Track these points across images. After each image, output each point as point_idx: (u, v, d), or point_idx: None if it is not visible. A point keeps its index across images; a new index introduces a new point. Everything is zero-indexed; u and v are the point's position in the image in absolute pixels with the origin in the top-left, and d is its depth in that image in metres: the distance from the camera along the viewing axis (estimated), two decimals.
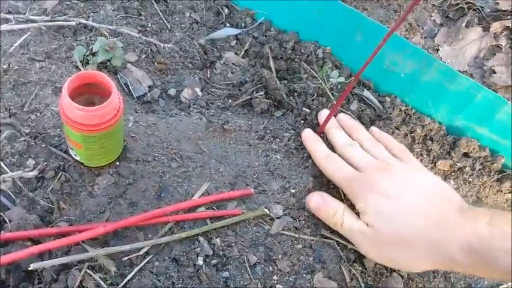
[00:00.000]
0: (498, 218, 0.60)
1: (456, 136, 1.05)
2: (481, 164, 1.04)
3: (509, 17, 1.30)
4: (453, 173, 1.04)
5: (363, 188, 0.76)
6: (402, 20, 0.73)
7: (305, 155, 0.94)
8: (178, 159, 0.86)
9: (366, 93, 1.03)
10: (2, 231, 0.72)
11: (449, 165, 1.03)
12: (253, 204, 0.86)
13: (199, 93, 1.00)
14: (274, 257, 0.81)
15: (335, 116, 0.98)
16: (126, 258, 0.74)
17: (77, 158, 0.77)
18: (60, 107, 0.69)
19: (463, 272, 0.88)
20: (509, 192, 1.05)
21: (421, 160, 1.02)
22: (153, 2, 1.08)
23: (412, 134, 1.03)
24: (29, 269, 0.67)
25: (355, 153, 0.85)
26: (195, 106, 0.97)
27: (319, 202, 0.82)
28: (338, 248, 0.85)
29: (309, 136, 0.92)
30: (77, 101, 0.67)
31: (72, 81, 0.69)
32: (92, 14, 0.99)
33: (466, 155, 1.05)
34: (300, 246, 0.84)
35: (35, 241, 0.73)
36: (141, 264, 0.75)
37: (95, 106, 0.68)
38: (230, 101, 1.00)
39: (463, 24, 1.31)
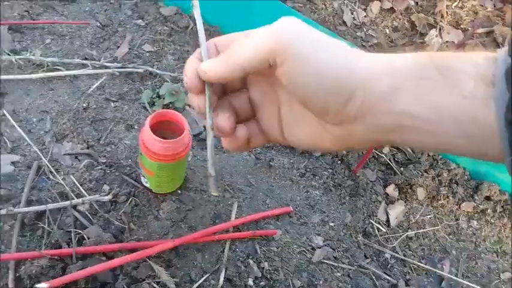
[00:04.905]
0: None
1: (479, 181, 1.15)
2: (502, 207, 1.13)
3: None
4: (476, 215, 1.13)
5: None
6: None
7: (342, 192, 1.04)
8: (230, 191, 0.97)
9: None
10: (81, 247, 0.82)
11: (473, 207, 1.13)
12: (296, 234, 0.96)
13: None
14: (316, 283, 0.90)
15: None
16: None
17: (147, 185, 0.88)
18: (140, 139, 0.81)
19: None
20: None
21: (447, 202, 1.12)
22: None
23: (439, 178, 1.13)
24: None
25: None
26: None
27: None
28: (373, 277, 0.94)
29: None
30: None
31: (153, 118, 0.81)
32: (156, 62, 1.14)
33: (487, 198, 1.14)
34: (339, 274, 0.92)
35: (108, 256, 0.83)
36: (199, 282, 0.84)
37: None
38: None
39: None
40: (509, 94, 0.35)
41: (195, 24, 1.21)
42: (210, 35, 1.25)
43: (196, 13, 0.48)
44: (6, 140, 0.91)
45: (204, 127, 1.09)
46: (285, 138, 0.48)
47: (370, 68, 0.40)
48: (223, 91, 0.48)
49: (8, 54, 1.02)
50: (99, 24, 1.18)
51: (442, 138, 0.39)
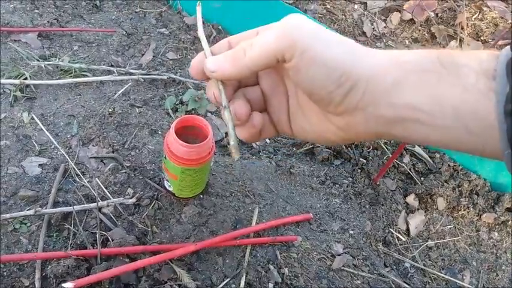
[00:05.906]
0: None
1: (500, 192, 1.14)
2: None
3: None
4: (497, 226, 1.12)
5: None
6: None
7: (362, 200, 1.04)
8: (251, 196, 0.98)
9: (418, 149, 1.14)
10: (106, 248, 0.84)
11: (494, 218, 1.12)
12: (316, 241, 0.96)
13: (268, 141, 1.13)
14: None
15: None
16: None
17: (170, 189, 0.90)
18: (165, 143, 0.83)
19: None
20: None
21: (468, 212, 1.11)
22: None
23: (460, 188, 1.12)
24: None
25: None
26: (264, 152, 1.10)
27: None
28: (393, 286, 0.93)
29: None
30: None
31: (177, 123, 0.83)
32: (179, 70, 1.16)
33: (508, 209, 1.13)
34: (359, 282, 0.92)
35: (132, 258, 0.84)
36: (221, 285, 0.85)
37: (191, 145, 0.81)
38: (294, 148, 1.13)
39: None
40: (509, 86, 0.35)
41: (217, 33, 1.24)
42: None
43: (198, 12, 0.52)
44: (35, 143, 0.94)
45: (226, 133, 1.11)
46: (292, 130, 0.49)
47: (377, 63, 0.41)
48: (238, 85, 0.50)
49: (38, 60, 1.05)
50: (124, 32, 1.21)
51: (443, 131, 0.39)
